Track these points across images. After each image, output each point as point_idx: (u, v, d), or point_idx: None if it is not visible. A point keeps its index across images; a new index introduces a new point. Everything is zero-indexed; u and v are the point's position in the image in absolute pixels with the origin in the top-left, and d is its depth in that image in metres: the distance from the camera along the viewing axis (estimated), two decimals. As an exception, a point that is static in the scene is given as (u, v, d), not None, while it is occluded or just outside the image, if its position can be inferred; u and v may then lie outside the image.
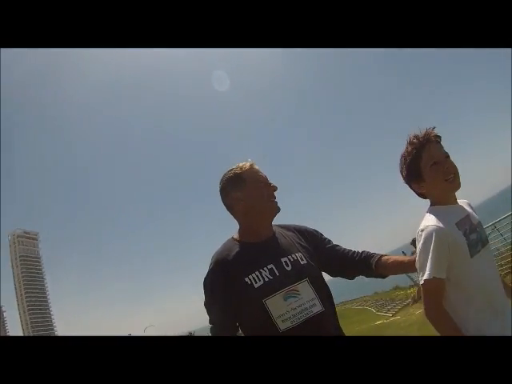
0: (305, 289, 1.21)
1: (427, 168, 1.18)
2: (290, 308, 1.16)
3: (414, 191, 1.28)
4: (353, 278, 1.45)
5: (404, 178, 1.28)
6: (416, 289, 5.93)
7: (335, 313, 1.32)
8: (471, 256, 1.12)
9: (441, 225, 1.12)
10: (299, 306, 1.18)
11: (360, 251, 1.41)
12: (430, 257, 1.09)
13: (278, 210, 1.31)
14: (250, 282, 1.18)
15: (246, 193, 1.26)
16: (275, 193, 1.32)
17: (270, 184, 1.30)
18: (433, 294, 1.11)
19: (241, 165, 1.31)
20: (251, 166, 1.31)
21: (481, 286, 1.12)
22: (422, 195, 1.27)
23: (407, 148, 1.23)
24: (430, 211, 1.20)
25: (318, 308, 1.20)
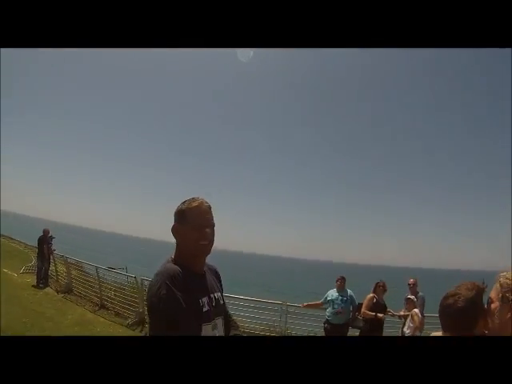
0: (220, 325, 1.41)
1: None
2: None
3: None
4: None
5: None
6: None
7: None
8: None
9: None
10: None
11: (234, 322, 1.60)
12: None
13: (206, 252, 1.37)
14: (201, 304, 1.29)
15: (183, 229, 1.33)
16: (213, 231, 1.37)
17: (206, 228, 1.33)
18: None
19: (189, 201, 1.35)
20: (197, 205, 1.34)
21: None
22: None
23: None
24: None
25: None
